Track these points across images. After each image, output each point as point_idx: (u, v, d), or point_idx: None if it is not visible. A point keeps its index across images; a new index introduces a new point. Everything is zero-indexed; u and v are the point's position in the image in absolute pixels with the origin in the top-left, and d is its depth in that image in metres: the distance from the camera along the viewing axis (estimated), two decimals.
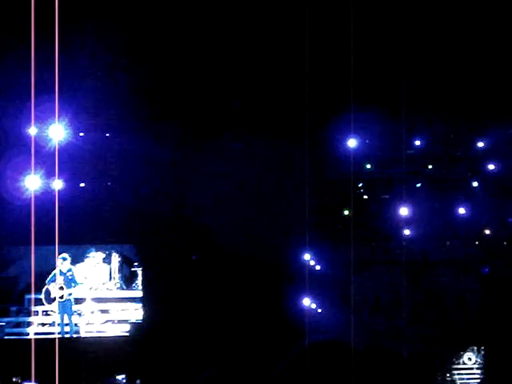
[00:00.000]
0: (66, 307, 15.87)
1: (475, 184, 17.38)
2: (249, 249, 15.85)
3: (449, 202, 17.36)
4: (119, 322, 16.55)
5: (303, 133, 14.41)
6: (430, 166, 17.23)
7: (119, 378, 14.43)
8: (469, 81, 14.94)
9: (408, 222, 16.87)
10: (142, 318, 16.51)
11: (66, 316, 15.94)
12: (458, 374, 17.12)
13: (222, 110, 15.22)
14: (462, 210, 17.43)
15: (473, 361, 17.03)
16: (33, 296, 15.82)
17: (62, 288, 15.92)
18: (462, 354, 17.06)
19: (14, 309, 16.42)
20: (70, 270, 16.07)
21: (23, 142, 13.69)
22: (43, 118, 13.36)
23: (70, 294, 15.93)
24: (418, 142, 16.86)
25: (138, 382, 14.39)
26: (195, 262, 15.77)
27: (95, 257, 17.00)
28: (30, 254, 14.94)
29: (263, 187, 16.11)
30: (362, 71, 13.69)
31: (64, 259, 15.96)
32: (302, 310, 16.68)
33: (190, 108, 15.25)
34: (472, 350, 17.03)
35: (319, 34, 13.62)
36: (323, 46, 13.96)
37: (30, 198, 13.69)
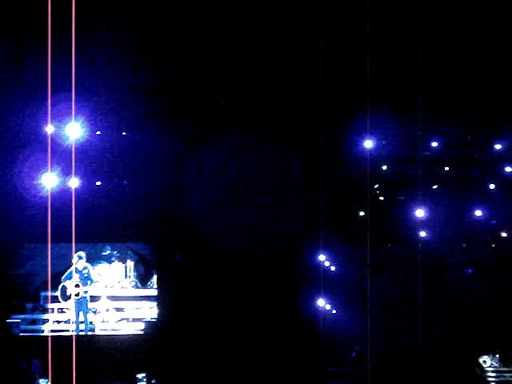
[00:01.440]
0: (81, 305, 15.94)
1: (492, 186, 17.29)
2: (264, 249, 15.84)
3: (465, 204, 17.28)
4: (134, 320, 16.59)
5: (319, 133, 14.38)
6: (447, 168, 17.14)
7: (139, 376, 14.45)
8: (487, 82, 14.86)
9: (424, 224, 16.80)
10: (156, 316, 16.55)
11: (81, 313, 16.00)
12: None
13: (237, 110, 15.21)
14: (478, 212, 17.35)
15: (488, 364, 16.94)
16: (49, 293, 15.90)
17: (77, 286, 15.99)
18: (477, 357, 16.96)
19: (29, 306, 16.51)
20: (85, 268, 16.14)
21: (40, 141, 13.75)
22: (60, 117, 13.41)
23: (86, 292, 16.00)
24: (434, 144, 16.78)
25: (153, 381, 14.40)
26: (210, 262, 15.76)
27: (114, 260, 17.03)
28: (46, 251, 15.02)
29: (279, 187, 16.09)
30: (378, 71, 13.64)
31: (80, 257, 16.03)
32: (316, 311, 16.65)
33: (206, 107, 15.25)
34: (487, 353, 16.94)
35: (335, 32, 13.59)
36: (339, 45, 13.93)
37: (47, 196, 13.75)
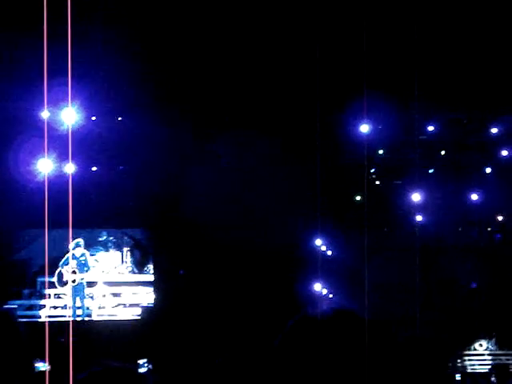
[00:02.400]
0: (78, 290, 15.95)
1: (488, 170, 17.30)
2: (260, 234, 15.85)
3: (462, 188, 17.30)
4: (131, 305, 16.62)
5: (315, 118, 14.36)
6: (443, 152, 17.15)
7: (140, 362, 14.48)
8: (483, 66, 14.84)
9: (421, 208, 16.82)
10: (153, 301, 16.57)
11: (78, 299, 16.02)
12: (469, 360, 17.10)
13: (234, 95, 15.18)
14: (474, 196, 17.37)
15: (484, 347, 17.01)
16: (46, 279, 15.91)
17: (74, 272, 15.99)
18: (473, 340, 17.04)
19: (26, 292, 16.51)
20: (83, 255, 16.15)
21: (36, 126, 13.71)
22: (56, 102, 13.36)
23: (83, 279, 16.01)
24: (431, 128, 16.78)
25: (149, 366, 14.43)
26: (206, 246, 15.76)
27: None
28: (42, 237, 15.00)
29: (274, 172, 16.08)
30: (375, 56, 13.61)
31: (78, 244, 16.03)
32: (313, 296, 16.69)
33: (203, 93, 15.21)
34: (483, 337, 17.00)
35: (331, 17, 13.55)
36: (335, 29, 13.89)
37: (43, 182, 13.73)
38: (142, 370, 13.85)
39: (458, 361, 16.90)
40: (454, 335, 16.45)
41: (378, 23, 13.46)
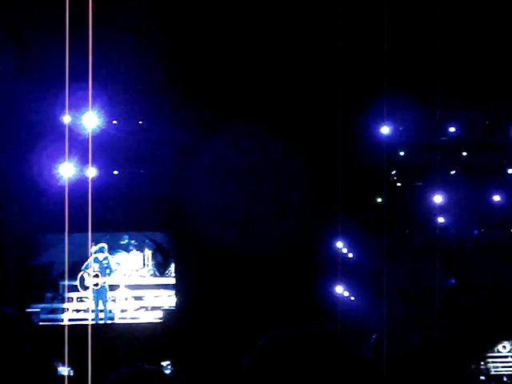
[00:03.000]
0: (100, 294, 16.02)
1: (510, 171, 17.19)
2: (282, 236, 15.84)
3: (483, 189, 17.19)
4: (152, 308, 16.66)
5: (336, 120, 14.34)
6: (465, 153, 17.05)
7: (163, 364, 14.50)
8: (505, 66, 14.74)
9: (442, 210, 16.74)
10: (174, 304, 16.60)
11: (100, 302, 16.08)
12: (492, 362, 17.00)
13: (257, 99, 15.17)
14: (496, 198, 17.25)
15: (507, 349, 16.90)
16: (66, 283, 15.98)
17: (97, 276, 16.06)
18: (497, 343, 16.93)
19: (49, 295, 16.60)
20: (105, 259, 16.23)
21: (57, 131, 13.79)
22: (77, 107, 13.44)
23: (105, 282, 16.07)
24: (452, 129, 16.69)
25: (172, 368, 14.45)
26: (228, 249, 15.76)
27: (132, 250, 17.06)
28: (67, 241, 15.06)
29: (297, 174, 16.06)
30: (395, 57, 13.56)
31: (102, 248, 16.11)
32: (334, 298, 16.65)
33: (225, 98, 15.23)
34: (507, 339, 16.89)
35: (353, 16, 13.51)
36: (356, 29, 13.86)
37: (65, 186, 13.80)
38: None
39: (482, 363, 16.79)
40: (477, 337, 16.35)
41: (399, 23, 13.41)
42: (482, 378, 15.89)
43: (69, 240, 13.17)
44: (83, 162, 14.47)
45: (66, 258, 14.85)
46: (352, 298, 17.46)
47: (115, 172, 16.24)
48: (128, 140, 15.67)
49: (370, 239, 16.81)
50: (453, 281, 17.32)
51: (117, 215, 16.04)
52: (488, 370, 16.80)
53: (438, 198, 16.47)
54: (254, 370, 1.80)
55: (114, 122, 15.44)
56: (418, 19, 13.89)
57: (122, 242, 17.05)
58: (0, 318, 2.26)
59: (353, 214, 16.81)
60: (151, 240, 17.08)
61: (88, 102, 12.52)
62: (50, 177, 14.47)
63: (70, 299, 16.39)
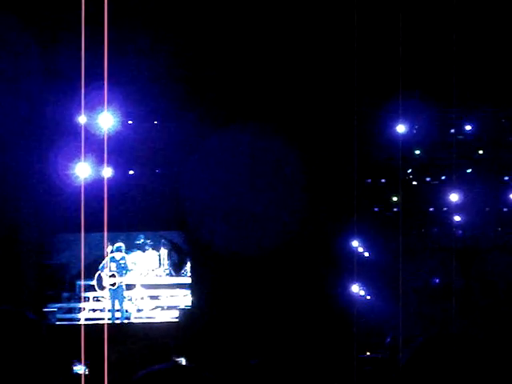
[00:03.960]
0: (117, 293, 16.07)
1: None
2: (297, 235, 15.83)
3: (500, 188, 17.11)
4: (168, 308, 16.69)
5: (352, 119, 14.31)
6: (481, 152, 16.98)
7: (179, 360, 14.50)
8: None
9: (458, 208, 16.67)
10: (190, 304, 16.62)
11: (117, 302, 16.13)
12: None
13: (272, 98, 15.17)
14: None
15: None
16: (82, 282, 16.04)
17: (113, 275, 16.12)
18: None
19: (65, 295, 16.67)
20: (123, 258, 16.28)
21: (73, 131, 13.85)
22: (93, 107, 13.49)
23: (122, 282, 16.12)
24: (468, 127, 16.62)
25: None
26: (244, 249, 15.76)
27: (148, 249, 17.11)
28: (83, 240, 15.10)
29: (311, 172, 16.04)
30: (410, 55, 13.52)
31: (119, 249, 16.16)
32: (350, 297, 16.62)
33: (238, 97, 15.23)
34: None
35: (368, 14, 13.48)
36: (372, 29, 13.83)
37: (81, 186, 13.86)
38: None
39: None
40: (495, 337, 16.26)
41: (414, 21, 13.37)
42: None
43: (85, 240, 13.21)
44: (99, 162, 14.53)
45: (82, 258, 14.91)
46: (368, 297, 17.42)
47: (131, 172, 16.28)
48: (144, 140, 15.71)
49: (385, 238, 16.77)
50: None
51: (132, 215, 16.08)
52: None
53: (454, 197, 16.41)
54: (413, 371, 1.80)
55: (130, 122, 15.48)
56: (433, 17, 13.84)
57: (138, 242, 17.09)
58: (24, 323, 2.29)
59: (369, 212, 16.78)
60: (167, 239, 17.11)
61: (104, 102, 12.56)
62: (66, 177, 14.53)
63: (87, 299, 16.45)
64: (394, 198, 17.19)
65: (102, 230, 12.57)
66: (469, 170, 16.99)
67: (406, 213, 15.48)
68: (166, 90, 15.00)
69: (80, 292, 16.51)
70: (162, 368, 2.19)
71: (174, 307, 16.65)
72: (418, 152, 16.90)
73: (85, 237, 12.64)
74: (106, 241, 15.42)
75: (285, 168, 16.08)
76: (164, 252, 17.18)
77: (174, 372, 2.18)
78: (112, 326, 15.68)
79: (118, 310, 16.21)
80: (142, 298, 16.69)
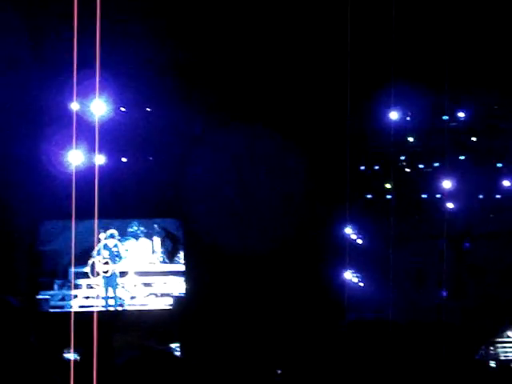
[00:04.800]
0: (110, 280, 16.07)
1: None
2: (290, 222, 15.83)
3: (492, 175, 17.14)
4: (162, 295, 16.70)
5: (344, 106, 14.29)
6: (474, 139, 16.99)
7: (172, 346, 14.53)
8: None
9: (451, 195, 16.70)
10: (184, 291, 16.63)
11: (110, 289, 16.13)
12: (502, 347, 16.97)
13: (264, 85, 15.14)
14: (506, 183, 17.20)
15: None
16: (73, 270, 16.03)
17: (107, 262, 16.11)
18: (506, 328, 16.89)
19: (58, 282, 16.65)
20: (115, 246, 16.27)
21: (65, 117, 13.80)
22: (85, 94, 13.43)
23: (115, 269, 16.12)
24: (461, 114, 16.63)
25: (177, 349, 14.49)
26: (237, 236, 15.77)
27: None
28: (75, 228, 15.09)
29: (304, 160, 16.03)
30: (403, 41, 13.50)
31: (112, 235, 16.15)
32: (343, 284, 16.65)
33: (233, 84, 15.20)
34: None
35: (361, 3, 13.45)
36: (364, 16, 13.80)
37: (73, 173, 13.82)
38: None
39: (491, 348, 16.78)
40: (486, 322, 16.34)
41: (407, 8, 13.34)
42: (492, 363, 15.89)
43: (78, 227, 13.19)
44: (91, 148, 14.48)
45: (72, 245, 14.89)
46: (361, 284, 17.46)
47: (123, 159, 16.24)
48: (136, 127, 15.67)
49: (378, 225, 16.79)
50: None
51: (125, 202, 16.05)
52: (497, 355, 16.78)
53: (447, 184, 16.43)
54: (334, 354, 1.80)
55: (122, 109, 15.43)
56: (426, 3, 13.82)
57: (131, 229, 17.07)
58: (7, 310, 2.25)
59: (361, 199, 16.79)
60: (160, 227, 17.10)
61: (96, 89, 12.51)
62: (57, 163, 14.49)
63: (80, 286, 16.44)
64: (387, 185, 17.21)
65: (95, 217, 12.54)
66: (462, 157, 17.01)
67: (398, 200, 15.51)
68: (159, 76, 14.95)
69: (73, 279, 16.50)
70: (134, 356, 2.19)
71: (168, 294, 16.66)
72: (411, 139, 16.91)
73: (78, 224, 12.62)
74: (97, 228, 15.39)
75: (277, 155, 16.07)
76: (157, 239, 17.17)
77: (145, 358, 2.19)
78: (105, 314, 15.68)
79: (111, 298, 16.21)
80: (136, 286, 16.69)
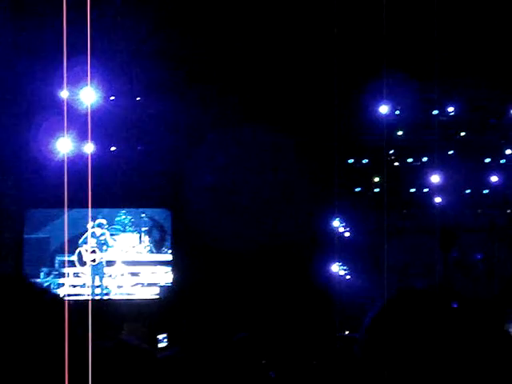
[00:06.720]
0: (97, 269, 16.05)
1: (508, 151, 17.19)
2: (278, 215, 15.85)
3: (481, 170, 17.20)
4: (149, 284, 16.70)
5: (333, 99, 14.30)
6: (463, 133, 17.04)
7: (159, 337, 14.53)
8: (504, 46, 14.69)
9: (440, 190, 16.75)
10: (171, 281, 16.64)
11: (97, 278, 16.12)
12: None
13: (254, 79, 15.12)
14: (494, 178, 17.27)
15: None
16: (66, 258, 16.00)
17: (94, 252, 16.08)
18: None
19: (45, 270, 16.61)
20: (103, 234, 16.24)
21: (55, 105, 13.74)
22: (75, 82, 13.38)
23: (102, 258, 16.10)
24: (450, 109, 16.67)
25: (165, 340, 14.50)
26: (225, 227, 15.78)
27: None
28: (61, 216, 15.07)
29: (292, 153, 16.05)
30: (393, 35, 13.51)
31: (99, 225, 16.12)
32: (331, 277, 16.70)
33: (225, 75, 15.17)
34: (506, 321, 16.93)
35: None
36: (354, 8, 13.79)
37: (62, 161, 13.78)
38: (161, 345, 13.93)
39: None
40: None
41: (396, 1, 13.34)
42: None
43: (66, 215, 13.16)
44: (81, 137, 14.43)
45: (65, 234, 14.85)
46: (348, 277, 17.51)
47: (113, 148, 16.20)
48: (126, 116, 15.62)
49: (367, 218, 16.83)
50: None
51: (113, 191, 16.02)
52: None
53: (435, 178, 16.48)
54: (381, 325, 1.72)
55: (112, 97, 15.38)
56: None
57: (119, 218, 17.04)
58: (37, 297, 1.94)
59: (350, 193, 16.82)
60: (148, 217, 17.08)
61: (86, 76, 12.46)
62: (47, 151, 14.44)
63: (67, 274, 16.41)
64: (376, 179, 17.24)
65: (83, 206, 12.51)
66: (451, 152, 17.06)
67: (387, 193, 15.53)
68: (150, 65, 14.91)
69: (60, 267, 16.47)
70: (107, 346, 2.17)
71: (155, 284, 16.66)
72: (400, 133, 16.94)
73: (64, 212, 12.58)
74: (89, 217, 15.37)
75: (265, 147, 16.07)
76: (145, 229, 17.15)
77: (118, 349, 2.17)
78: (92, 302, 15.66)
79: (97, 287, 16.20)
80: (123, 275, 16.68)
